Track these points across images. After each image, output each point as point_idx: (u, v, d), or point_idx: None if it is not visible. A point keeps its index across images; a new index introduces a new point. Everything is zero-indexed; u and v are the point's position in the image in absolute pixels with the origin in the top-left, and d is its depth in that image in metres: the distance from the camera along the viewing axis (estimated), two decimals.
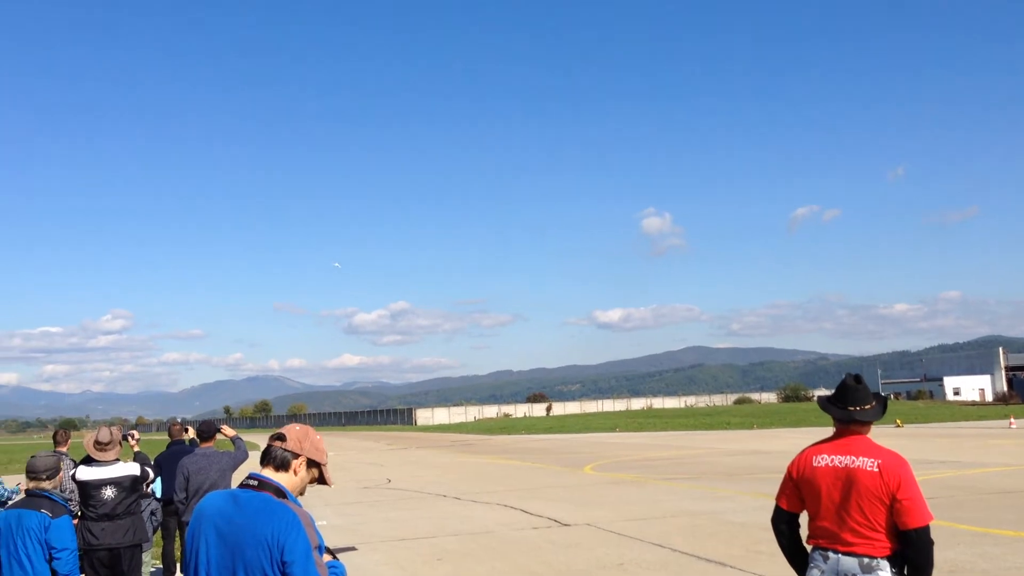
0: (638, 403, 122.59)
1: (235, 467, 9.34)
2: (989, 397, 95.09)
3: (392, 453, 42.70)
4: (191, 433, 10.82)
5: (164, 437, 19.79)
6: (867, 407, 4.64)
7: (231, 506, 3.53)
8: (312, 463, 3.75)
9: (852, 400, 4.66)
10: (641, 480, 22.30)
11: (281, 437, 3.75)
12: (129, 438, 10.57)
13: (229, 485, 9.09)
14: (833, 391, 4.86)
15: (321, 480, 3.82)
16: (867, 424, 4.66)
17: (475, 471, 28.66)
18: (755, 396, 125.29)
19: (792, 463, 4.83)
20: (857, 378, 4.76)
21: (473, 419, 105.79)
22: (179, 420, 14.78)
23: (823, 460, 4.64)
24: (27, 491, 5.95)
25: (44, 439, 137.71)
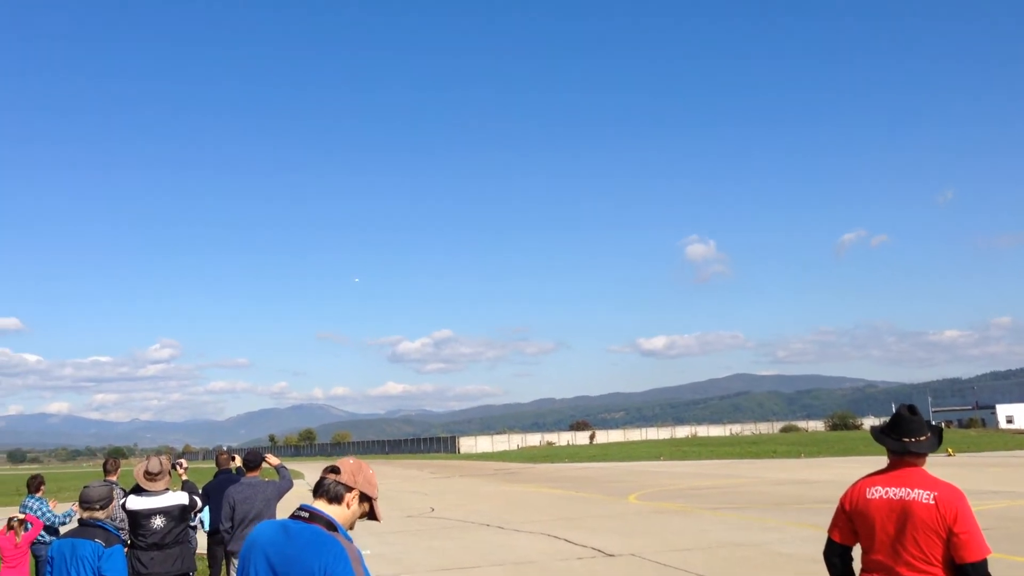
0: (682, 431, 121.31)
1: (280, 496, 9.42)
2: None
3: (435, 482, 42.69)
4: (238, 462, 10.94)
5: (210, 465, 19.94)
6: (922, 438, 4.55)
7: (282, 536, 3.55)
8: (364, 497, 3.78)
9: (907, 431, 4.56)
10: (686, 510, 22.03)
11: (335, 470, 3.76)
12: (177, 467, 10.73)
13: (274, 514, 9.17)
14: (887, 421, 4.78)
15: (371, 515, 3.84)
16: (922, 456, 4.56)
17: (518, 500, 28.55)
18: (802, 424, 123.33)
19: (845, 495, 4.72)
20: (912, 409, 4.67)
21: (516, 447, 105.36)
22: (225, 449, 14.97)
23: (877, 492, 4.54)
24: (80, 520, 6.05)
25: (94, 467, 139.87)
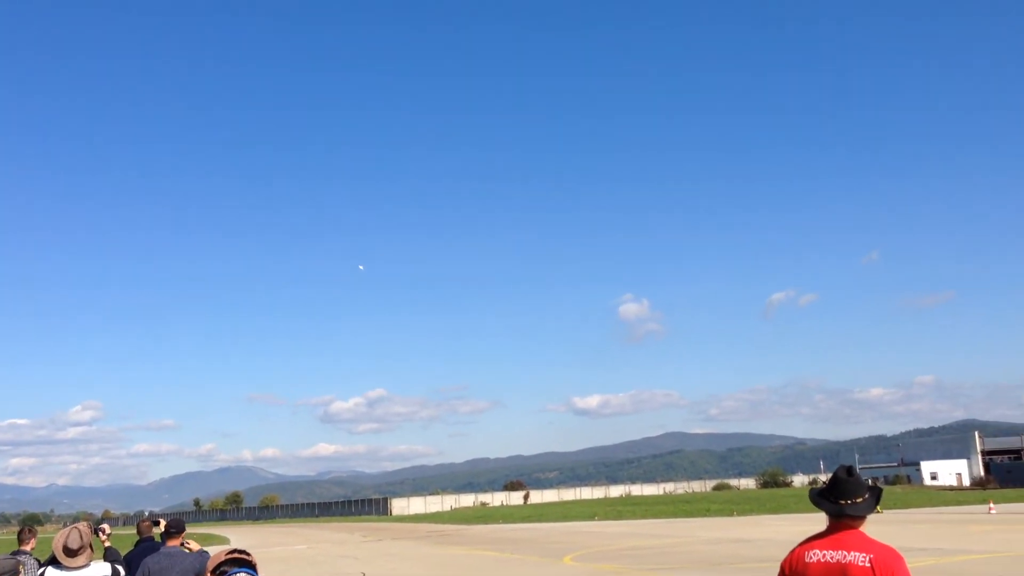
0: (616, 490, 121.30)
1: (197, 571, 9.05)
2: (966, 482, 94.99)
3: (366, 545, 41.77)
4: (162, 527, 10.52)
5: (131, 531, 19.25)
6: (858, 500, 4.56)
7: None
8: None
9: (843, 493, 4.57)
10: (623, 571, 21.88)
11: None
12: (99, 533, 10.27)
13: None
14: (825, 483, 4.80)
15: None
16: (859, 518, 4.57)
17: (452, 563, 28.08)
18: (734, 482, 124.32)
19: (785, 560, 4.70)
20: (849, 470, 4.67)
21: (449, 508, 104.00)
22: (147, 515, 14.41)
23: (815, 556, 4.52)
24: None
25: (7, 535, 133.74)
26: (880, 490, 4.70)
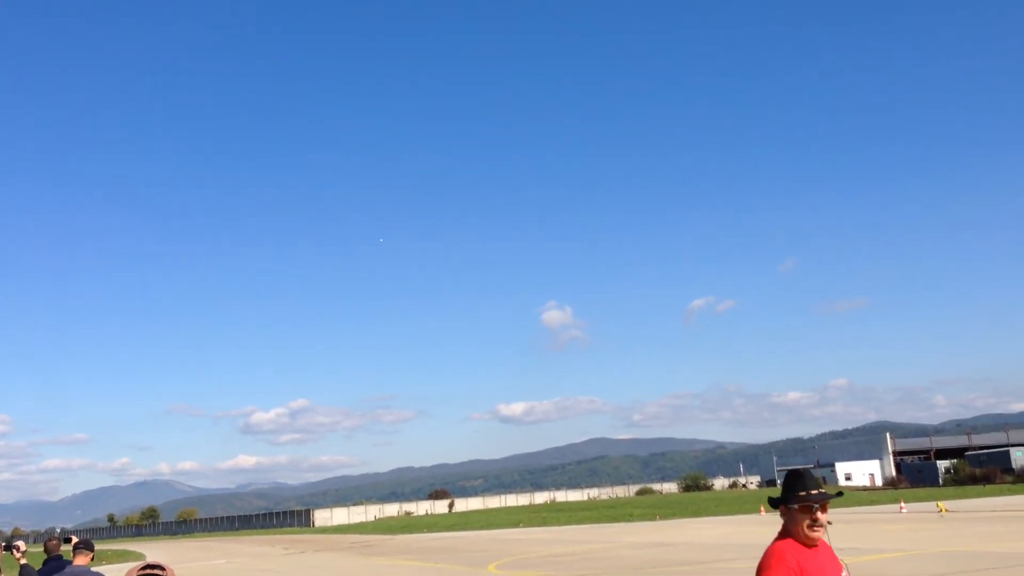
0: (541, 497, 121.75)
1: None
2: (879, 482, 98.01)
3: (288, 558, 41.08)
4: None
5: (41, 550, 18.58)
6: None
7: None
8: None
9: None
10: None
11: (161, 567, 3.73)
12: (14, 551, 9.94)
13: None
14: None
15: None
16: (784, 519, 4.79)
17: (375, 574, 27.80)
18: (656, 486, 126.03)
19: None
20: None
21: (374, 518, 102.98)
22: (58, 532, 13.91)
23: None
24: None
25: None
26: (774, 499, 4.84)
